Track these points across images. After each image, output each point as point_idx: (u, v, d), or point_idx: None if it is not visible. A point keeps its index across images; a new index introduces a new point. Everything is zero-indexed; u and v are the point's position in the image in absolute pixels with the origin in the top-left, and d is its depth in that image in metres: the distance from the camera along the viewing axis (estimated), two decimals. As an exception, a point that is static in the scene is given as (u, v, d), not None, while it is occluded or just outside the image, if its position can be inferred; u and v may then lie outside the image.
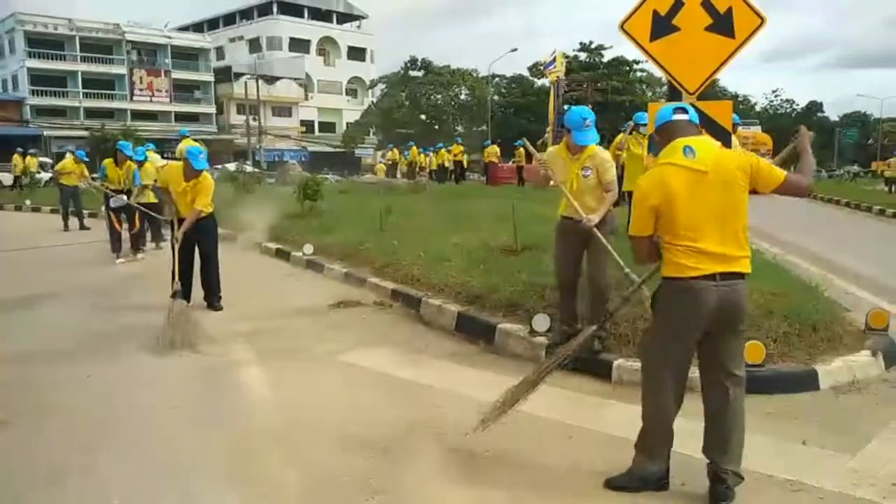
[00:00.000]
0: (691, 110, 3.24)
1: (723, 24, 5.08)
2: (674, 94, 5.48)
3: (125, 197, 9.97)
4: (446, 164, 26.90)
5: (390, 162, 31.20)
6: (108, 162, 10.39)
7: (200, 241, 7.03)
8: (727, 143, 4.85)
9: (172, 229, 7.02)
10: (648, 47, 5.24)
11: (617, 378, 4.86)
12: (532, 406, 4.38)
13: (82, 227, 14.29)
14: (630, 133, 9.27)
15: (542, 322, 5.47)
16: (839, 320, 5.49)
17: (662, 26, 5.17)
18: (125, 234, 10.37)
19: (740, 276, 3.10)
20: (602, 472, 3.48)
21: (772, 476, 3.43)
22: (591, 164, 4.95)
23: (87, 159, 14.42)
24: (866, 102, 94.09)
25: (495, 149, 26.88)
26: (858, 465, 3.61)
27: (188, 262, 7.02)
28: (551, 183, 5.08)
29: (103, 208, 10.28)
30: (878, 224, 16.76)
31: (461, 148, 27.62)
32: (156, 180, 9.75)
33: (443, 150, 27.79)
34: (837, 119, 74.38)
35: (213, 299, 7.16)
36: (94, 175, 13.81)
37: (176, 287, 6.40)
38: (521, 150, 24.51)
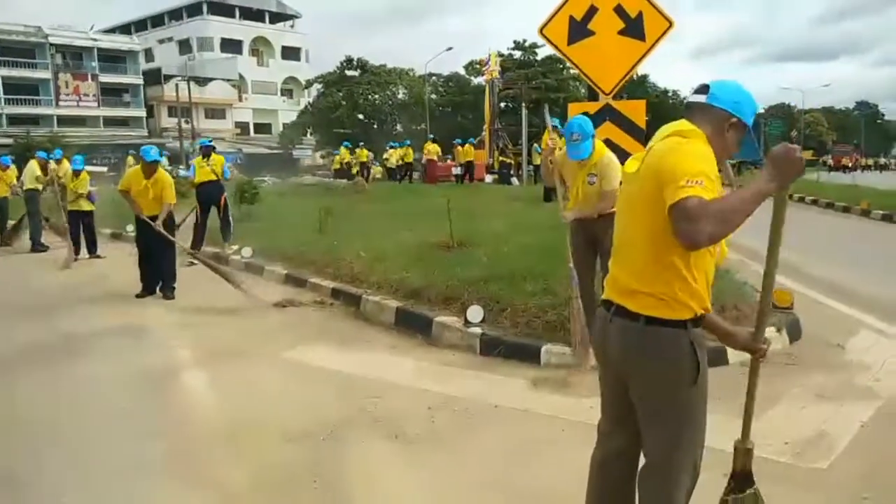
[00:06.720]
0: (716, 86, 2.25)
1: (634, 28, 5.43)
2: (593, 94, 5.82)
3: None
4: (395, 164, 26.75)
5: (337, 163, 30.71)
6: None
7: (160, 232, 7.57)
8: (642, 142, 5.19)
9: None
10: (567, 51, 5.54)
11: (546, 362, 5.18)
12: (466, 391, 4.66)
13: None
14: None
15: (475, 313, 5.76)
16: (747, 300, 5.92)
17: (579, 30, 5.49)
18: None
19: (627, 313, 2.23)
20: (535, 450, 3.78)
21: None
22: (596, 171, 5.06)
23: None
24: (789, 95, 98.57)
25: (435, 147, 26.99)
26: (760, 428, 3.96)
27: (145, 255, 7.73)
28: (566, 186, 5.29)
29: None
30: (798, 213, 17.65)
31: (410, 149, 27.46)
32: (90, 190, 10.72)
33: (393, 150, 27.53)
34: (763, 111, 77.36)
35: (168, 287, 7.65)
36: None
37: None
38: (469, 147, 24.51)
